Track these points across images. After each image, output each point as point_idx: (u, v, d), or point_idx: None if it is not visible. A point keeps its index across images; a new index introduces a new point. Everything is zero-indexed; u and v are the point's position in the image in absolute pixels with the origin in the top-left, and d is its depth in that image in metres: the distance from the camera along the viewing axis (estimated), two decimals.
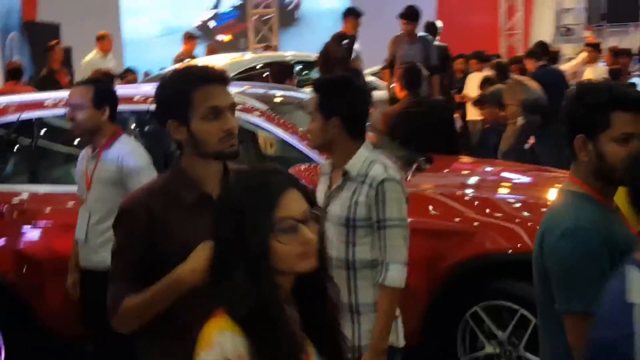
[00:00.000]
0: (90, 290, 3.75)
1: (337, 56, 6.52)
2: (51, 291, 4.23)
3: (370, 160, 2.76)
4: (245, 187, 1.67)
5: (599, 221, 2.05)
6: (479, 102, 9.58)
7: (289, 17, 17.81)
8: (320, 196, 2.86)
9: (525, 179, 5.05)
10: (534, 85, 8.25)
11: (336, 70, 5.90)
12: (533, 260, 2.23)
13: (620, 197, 2.12)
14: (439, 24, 9.53)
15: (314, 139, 2.93)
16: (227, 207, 1.67)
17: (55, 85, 8.33)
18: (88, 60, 10.14)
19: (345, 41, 7.27)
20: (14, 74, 8.94)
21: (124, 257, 2.15)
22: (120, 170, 3.72)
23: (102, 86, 3.91)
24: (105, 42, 10.22)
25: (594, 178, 2.12)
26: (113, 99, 3.84)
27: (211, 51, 10.99)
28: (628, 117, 2.04)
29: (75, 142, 4.89)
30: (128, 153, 3.77)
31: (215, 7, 18.70)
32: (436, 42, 9.22)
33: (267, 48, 11.08)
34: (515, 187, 4.80)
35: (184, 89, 2.12)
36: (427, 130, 5.63)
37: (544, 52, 9.00)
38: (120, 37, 19.30)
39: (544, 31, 17.58)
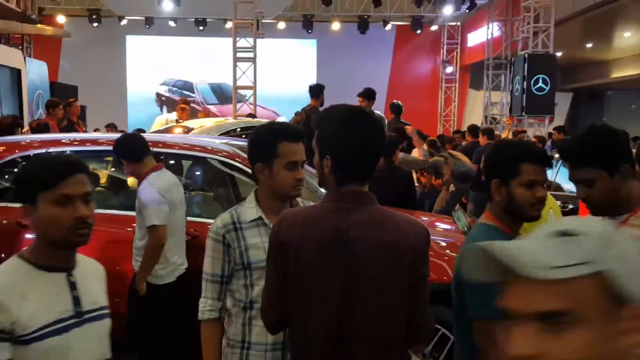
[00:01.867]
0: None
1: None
2: None
3: None
4: None
5: None
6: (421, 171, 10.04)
7: None
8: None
9: (450, 227, 5.84)
10: (464, 158, 9.24)
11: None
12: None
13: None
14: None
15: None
16: None
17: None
18: (165, 120, 11.06)
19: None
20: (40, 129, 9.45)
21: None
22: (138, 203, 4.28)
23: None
24: (185, 112, 11.06)
25: None
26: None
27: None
28: None
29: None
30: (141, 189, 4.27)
31: None
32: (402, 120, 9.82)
33: (251, 116, 12.04)
34: (443, 233, 5.52)
35: None
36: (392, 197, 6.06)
37: (491, 135, 10.42)
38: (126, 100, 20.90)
39: (474, 119, 20.16)
